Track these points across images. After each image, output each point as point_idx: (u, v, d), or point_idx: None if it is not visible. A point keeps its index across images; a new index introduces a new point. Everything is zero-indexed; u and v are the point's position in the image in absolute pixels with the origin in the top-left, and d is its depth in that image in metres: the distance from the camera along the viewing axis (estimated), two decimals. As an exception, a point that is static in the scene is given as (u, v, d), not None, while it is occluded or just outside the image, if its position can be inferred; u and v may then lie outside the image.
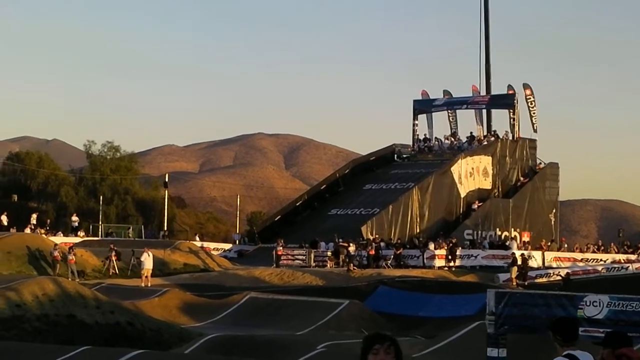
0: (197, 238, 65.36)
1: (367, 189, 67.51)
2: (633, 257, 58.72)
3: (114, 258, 48.72)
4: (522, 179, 70.56)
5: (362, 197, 65.98)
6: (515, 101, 70.88)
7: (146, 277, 43.63)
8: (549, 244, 61.80)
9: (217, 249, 60.67)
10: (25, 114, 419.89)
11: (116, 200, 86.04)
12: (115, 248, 49.55)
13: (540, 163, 72.83)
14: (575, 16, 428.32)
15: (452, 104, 74.86)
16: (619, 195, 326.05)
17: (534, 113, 71.89)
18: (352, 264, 50.09)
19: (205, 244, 60.96)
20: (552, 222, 71.43)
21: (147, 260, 44.21)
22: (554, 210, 72.15)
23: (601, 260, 58.09)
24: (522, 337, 18.71)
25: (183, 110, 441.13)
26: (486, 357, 17.42)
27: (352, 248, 51.98)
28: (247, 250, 61.73)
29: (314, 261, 53.67)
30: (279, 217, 67.79)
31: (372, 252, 52.94)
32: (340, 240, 53.89)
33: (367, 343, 5.47)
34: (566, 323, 7.79)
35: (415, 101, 75.35)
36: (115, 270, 48.36)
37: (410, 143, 74.47)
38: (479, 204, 65.22)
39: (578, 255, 59.14)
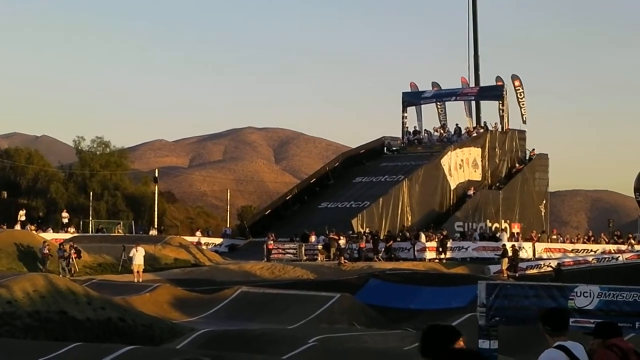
0: (199, 233, 65.07)
1: (357, 182, 67.50)
2: (623, 247, 58.83)
3: (73, 256, 46.43)
4: (517, 165, 70.82)
5: (352, 190, 65.95)
6: (504, 92, 70.89)
7: (137, 272, 43.52)
8: (539, 235, 61.90)
9: (208, 244, 60.55)
10: (14, 110, 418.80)
11: (106, 196, 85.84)
12: (75, 246, 47.53)
13: (533, 149, 72.93)
14: (564, 6, 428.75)
15: (441, 96, 74.81)
16: (609, 186, 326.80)
17: (523, 104, 71.93)
18: (343, 257, 50.08)
19: (196, 239, 60.64)
20: (543, 213, 71.56)
21: (137, 255, 44.06)
22: (544, 202, 72.26)
23: (591, 250, 58.21)
24: (514, 328, 18.76)
25: (172, 105, 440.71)
26: (477, 349, 17.42)
27: (342, 241, 51.93)
28: (238, 245, 61.66)
29: (305, 255, 53.64)
30: (270, 211, 67.71)
31: (363, 245, 52.94)
32: (332, 232, 53.80)
33: (454, 335, 5.64)
34: (556, 313, 7.80)
35: (404, 93, 75.27)
36: (76, 269, 46.04)
37: (400, 135, 74.43)
38: (474, 191, 65.52)
39: (569, 246, 59.26)
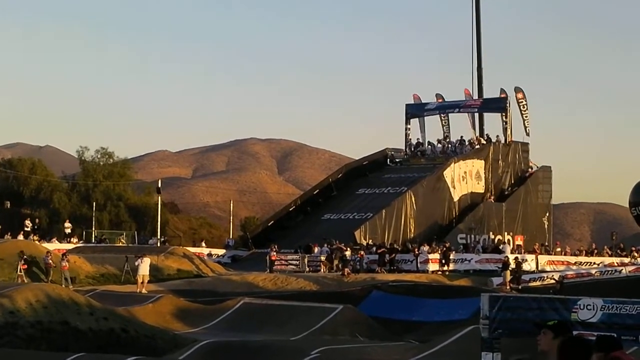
0: (204, 244, 65.22)
1: (360, 193, 67.55)
2: (626, 260, 58.73)
3: (22, 267, 44.54)
4: (530, 169, 71.41)
5: (355, 202, 66.00)
6: (508, 105, 71.02)
7: (142, 283, 43.45)
8: (541, 247, 61.87)
9: (211, 255, 60.57)
10: (18, 120, 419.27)
11: (109, 206, 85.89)
12: (25, 256, 45.63)
13: (530, 162, 73.11)
14: (567, 19, 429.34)
15: (444, 107, 74.97)
16: (612, 198, 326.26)
17: (526, 116, 72.00)
18: (347, 269, 50.01)
19: (199, 250, 60.69)
20: (546, 226, 71.56)
21: (143, 266, 43.97)
22: (547, 214, 72.29)
23: (595, 263, 58.11)
24: (517, 341, 18.71)
25: (176, 115, 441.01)
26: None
27: (348, 252, 51.86)
28: (240, 256, 61.67)
29: (308, 266, 53.60)
30: (272, 222, 67.76)
31: (361, 254, 52.85)
32: (337, 242, 53.67)
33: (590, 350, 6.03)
34: (569, 327, 7.77)
35: (407, 105, 75.43)
36: (23, 280, 42.99)
37: (403, 147, 74.56)
38: (491, 197, 66.09)
39: (572, 259, 59.17)
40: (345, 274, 49.42)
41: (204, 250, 61.17)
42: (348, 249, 52.44)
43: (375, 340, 28.96)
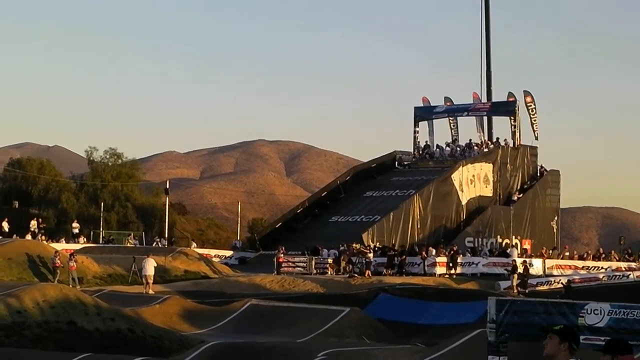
0: (194, 244, 65.37)
1: (368, 196, 67.51)
2: (634, 264, 58.66)
3: None
4: (541, 172, 71.67)
5: (362, 204, 65.95)
6: (516, 108, 70.93)
7: (148, 283, 43.52)
8: (550, 251, 61.77)
9: (218, 256, 60.61)
10: (27, 120, 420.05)
11: (117, 206, 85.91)
12: None
13: (541, 166, 73.11)
14: (575, 24, 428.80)
15: (453, 111, 74.91)
16: (620, 203, 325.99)
17: (534, 120, 71.91)
18: (369, 271, 49.89)
19: (206, 251, 60.75)
20: (554, 230, 71.43)
21: (148, 267, 44.04)
22: (556, 218, 72.14)
23: (602, 268, 58.03)
24: (523, 345, 18.69)
25: (184, 117, 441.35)
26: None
27: (371, 255, 51.66)
28: (248, 257, 61.70)
29: (315, 268, 53.59)
30: (280, 224, 67.76)
31: (372, 257, 52.83)
32: (361, 246, 53.55)
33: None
34: (576, 332, 7.75)
35: (416, 108, 75.38)
36: None
37: (411, 150, 74.51)
38: (519, 196, 66.10)
39: (579, 263, 59.08)
40: (368, 275, 49.43)
41: (203, 250, 61.02)
42: (370, 251, 52.30)
43: (381, 342, 28.95)
